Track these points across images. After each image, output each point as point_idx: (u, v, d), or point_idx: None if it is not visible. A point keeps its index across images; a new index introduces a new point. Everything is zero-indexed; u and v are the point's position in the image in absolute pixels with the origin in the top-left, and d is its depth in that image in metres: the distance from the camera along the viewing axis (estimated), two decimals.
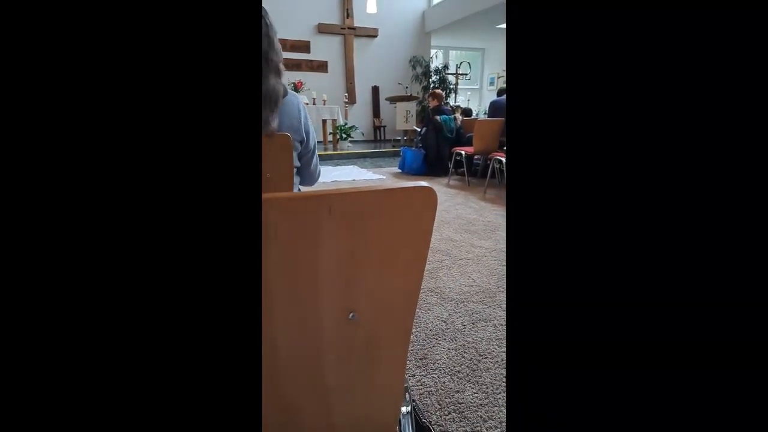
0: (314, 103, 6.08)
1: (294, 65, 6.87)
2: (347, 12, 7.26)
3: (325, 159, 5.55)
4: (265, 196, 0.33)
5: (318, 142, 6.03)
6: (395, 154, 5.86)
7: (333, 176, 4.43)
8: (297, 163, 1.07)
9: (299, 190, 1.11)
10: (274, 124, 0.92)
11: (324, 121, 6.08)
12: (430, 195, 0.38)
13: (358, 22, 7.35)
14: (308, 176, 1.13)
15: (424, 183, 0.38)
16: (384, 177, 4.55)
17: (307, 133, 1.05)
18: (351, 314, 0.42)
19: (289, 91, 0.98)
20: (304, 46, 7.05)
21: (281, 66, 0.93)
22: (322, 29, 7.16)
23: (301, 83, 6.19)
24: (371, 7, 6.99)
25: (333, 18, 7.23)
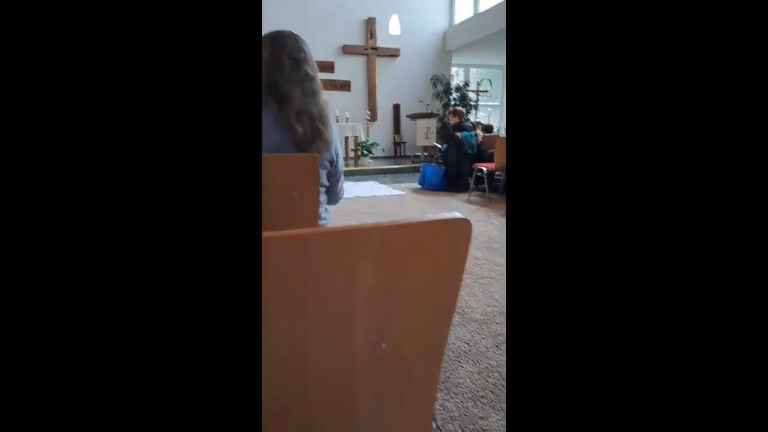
0: (337, 121, 6.24)
1: None
2: (371, 33, 7.50)
3: (346, 175, 5.65)
4: (305, 231, 0.34)
5: None
6: (415, 170, 5.89)
7: (354, 192, 4.48)
8: (326, 182, 1.10)
9: (326, 209, 1.14)
10: (329, 136, 1.02)
11: (346, 138, 6.21)
12: (465, 226, 0.38)
13: (380, 43, 7.56)
14: (333, 196, 1.17)
15: (459, 214, 0.38)
16: (404, 192, 4.57)
17: (337, 155, 1.11)
18: (383, 344, 0.42)
19: None
20: (329, 67, 7.30)
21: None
22: (347, 50, 7.40)
23: (326, 101, 6.39)
24: (394, 29, 7.19)
25: (357, 39, 7.48)
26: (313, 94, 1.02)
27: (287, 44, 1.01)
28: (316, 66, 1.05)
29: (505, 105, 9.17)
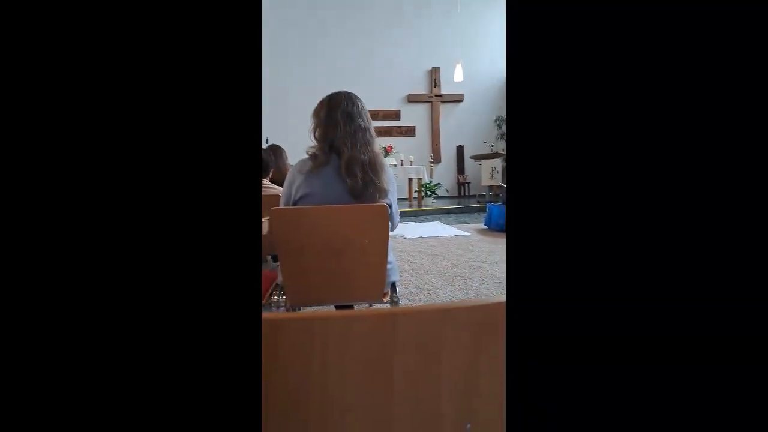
0: (401, 164, 6.51)
1: (385, 132, 7.57)
2: (435, 82, 7.91)
3: (410, 215, 5.77)
4: (393, 309, 0.35)
5: (403, 199, 6.19)
6: (479, 210, 5.78)
7: (418, 233, 4.51)
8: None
9: (391, 249, 1.21)
10: (383, 183, 1.13)
11: (410, 180, 6.43)
12: None
13: (444, 90, 7.91)
14: (390, 226, 1.28)
15: None
16: (469, 233, 4.48)
17: (392, 198, 1.21)
18: (468, 425, 0.41)
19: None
20: (395, 115, 7.79)
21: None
22: (412, 99, 7.86)
23: (391, 147, 6.76)
24: (458, 76, 7.51)
25: (421, 88, 7.93)
26: (365, 144, 1.13)
27: (341, 102, 1.14)
28: (368, 117, 1.17)
29: None
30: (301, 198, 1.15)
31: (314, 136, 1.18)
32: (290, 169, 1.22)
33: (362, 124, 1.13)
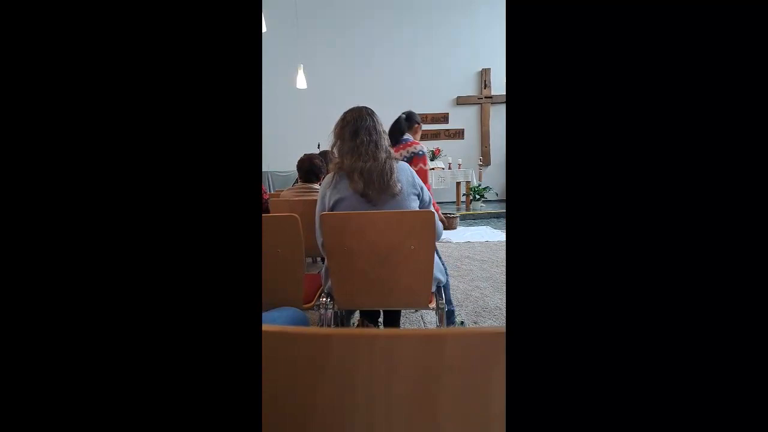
0: (449, 168, 6.41)
1: (433, 135, 7.53)
2: (485, 83, 7.69)
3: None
4: (440, 330, 0.36)
5: (451, 203, 6.07)
6: None
7: (466, 237, 4.41)
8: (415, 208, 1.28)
9: (438, 254, 1.20)
10: (399, 185, 1.20)
11: (458, 184, 6.29)
12: None
13: (495, 91, 7.65)
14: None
15: None
16: None
17: (421, 187, 1.29)
18: None
19: (398, 159, 1.28)
20: (443, 118, 7.70)
21: (389, 147, 1.26)
22: (461, 101, 7.72)
23: (439, 150, 6.68)
24: None
25: (471, 90, 7.75)
26: (366, 154, 1.20)
27: (350, 120, 1.24)
28: (379, 129, 1.26)
29: None
30: (335, 203, 1.23)
31: (332, 151, 1.31)
32: (321, 186, 1.32)
33: (366, 138, 1.22)
